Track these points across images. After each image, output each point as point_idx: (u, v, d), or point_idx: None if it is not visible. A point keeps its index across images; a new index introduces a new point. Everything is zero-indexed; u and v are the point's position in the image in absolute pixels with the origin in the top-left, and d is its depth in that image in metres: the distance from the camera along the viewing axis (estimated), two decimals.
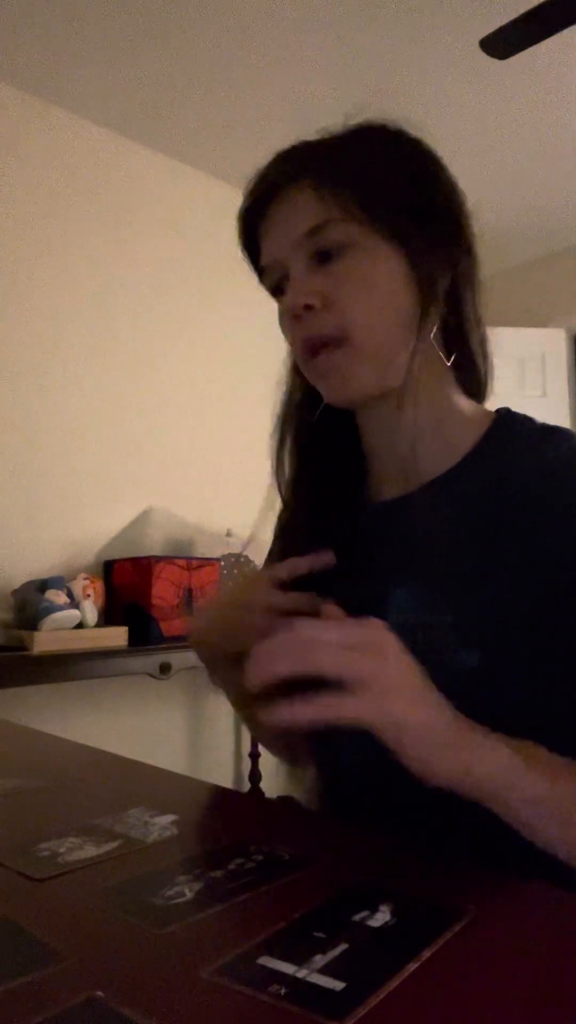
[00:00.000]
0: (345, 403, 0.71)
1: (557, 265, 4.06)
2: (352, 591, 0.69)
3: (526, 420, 0.72)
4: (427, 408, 0.69)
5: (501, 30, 2.10)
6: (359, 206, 0.66)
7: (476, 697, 0.59)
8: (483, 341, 0.74)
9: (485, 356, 0.74)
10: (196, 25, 2.36)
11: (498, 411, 0.73)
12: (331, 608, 0.59)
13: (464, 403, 0.73)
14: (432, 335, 0.69)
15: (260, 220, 0.71)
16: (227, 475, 2.98)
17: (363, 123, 0.71)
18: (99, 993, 0.32)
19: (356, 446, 0.78)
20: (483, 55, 2.22)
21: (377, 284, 0.67)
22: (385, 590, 0.69)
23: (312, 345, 0.68)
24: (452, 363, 0.71)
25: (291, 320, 0.68)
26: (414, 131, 0.71)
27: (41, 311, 2.66)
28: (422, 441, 0.69)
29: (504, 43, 2.14)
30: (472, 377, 0.74)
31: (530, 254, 4.08)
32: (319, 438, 0.78)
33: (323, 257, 0.67)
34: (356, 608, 0.60)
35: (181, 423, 2.99)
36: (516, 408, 0.74)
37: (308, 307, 0.67)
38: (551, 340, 3.95)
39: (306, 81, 2.57)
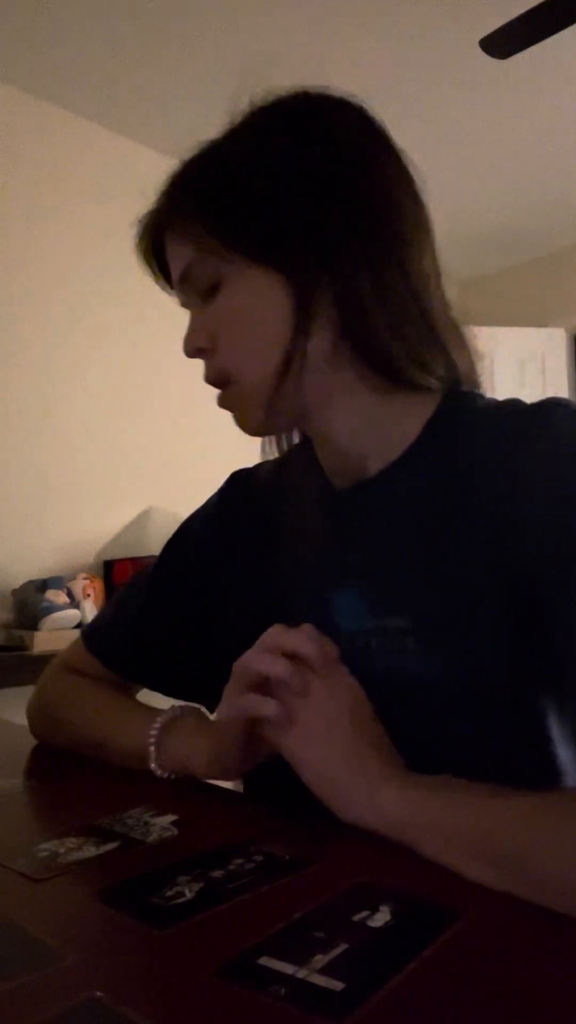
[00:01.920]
0: (254, 435, 0.70)
1: (557, 265, 4.06)
2: (305, 592, 0.68)
3: (475, 399, 0.66)
4: (344, 413, 0.65)
5: (501, 30, 2.10)
6: (214, 241, 0.62)
7: (442, 703, 0.58)
8: (396, 323, 0.62)
9: (403, 336, 0.62)
10: (199, 28, 2.36)
11: (444, 394, 0.66)
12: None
13: (401, 393, 0.65)
14: (324, 343, 0.62)
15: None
16: (227, 475, 2.97)
17: (241, 117, 0.66)
18: (99, 993, 0.32)
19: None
20: (483, 55, 2.22)
21: (245, 319, 0.64)
22: (335, 593, 0.65)
23: (211, 384, 0.68)
24: (366, 357, 0.63)
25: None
26: (295, 89, 0.66)
27: (41, 312, 2.66)
28: (356, 442, 0.66)
29: (504, 43, 2.14)
30: (391, 364, 0.63)
31: (530, 254, 4.09)
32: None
33: (206, 294, 0.65)
34: (304, 611, 0.59)
35: (181, 423, 2.99)
36: None
37: (200, 349, 0.66)
38: (551, 340, 3.95)
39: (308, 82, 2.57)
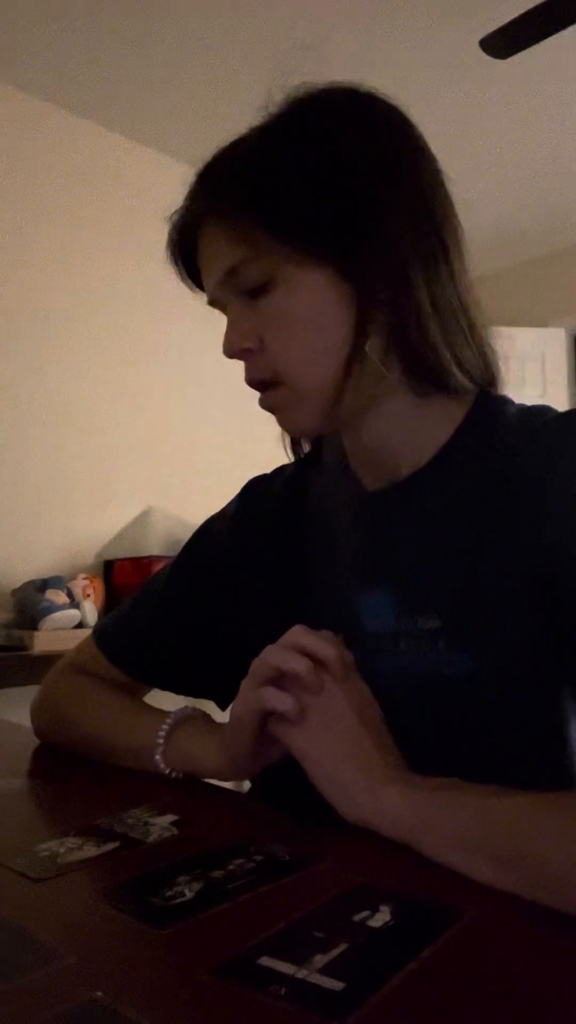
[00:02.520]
0: (300, 436, 0.69)
1: (557, 265, 4.06)
2: (329, 594, 0.68)
3: (504, 404, 0.67)
4: (387, 415, 0.65)
5: (501, 30, 2.10)
6: (269, 240, 0.59)
7: (470, 704, 0.59)
8: (447, 331, 0.62)
9: (452, 344, 0.63)
10: (202, 29, 2.36)
11: (475, 397, 0.66)
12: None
13: (439, 397, 0.65)
14: (379, 346, 0.61)
15: (193, 252, 0.66)
16: (227, 475, 2.97)
17: (285, 105, 0.63)
18: (99, 993, 0.32)
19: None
20: (483, 55, 2.22)
21: (304, 320, 0.61)
22: (362, 594, 0.65)
23: (256, 387, 0.65)
24: (416, 363, 0.62)
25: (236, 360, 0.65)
26: (354, 82, 0.63)
27: (41, 312, 2.66)
28: (393, 443, 0.66)
29: (504, 43, 2.14)
30: (439, 371, 0.62)
31: (530, 254, 4.09)
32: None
33: (253, 292, 0.62)
34: (332, 611, 0.59)
35: (181, 423, 2.99)
36: None
37: (245, 349, 0.63)
38: (551, 340, 3.96)
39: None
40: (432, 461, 0.65)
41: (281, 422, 0.67)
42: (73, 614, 2.32)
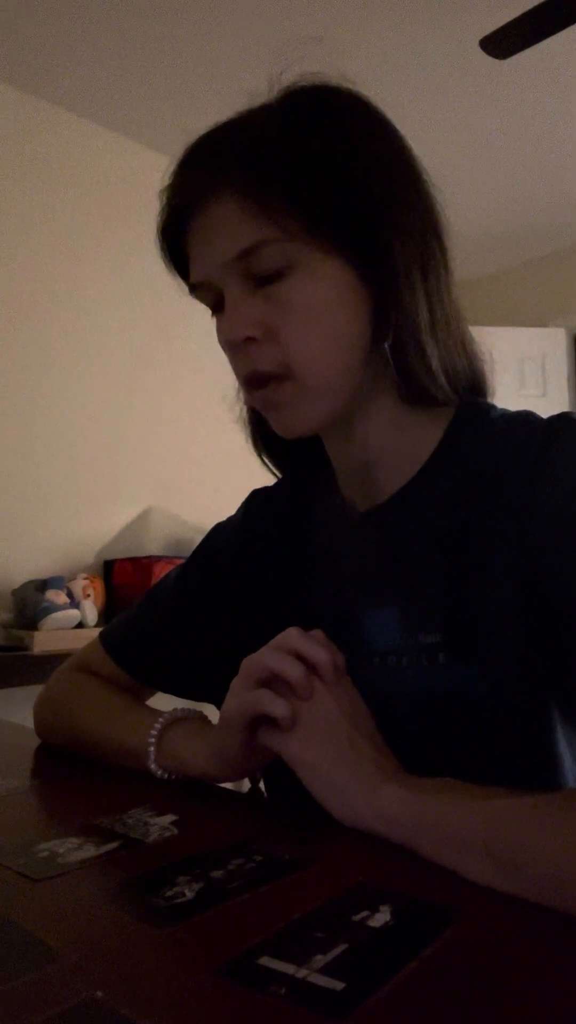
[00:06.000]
0: (295, 437, 0.64)
1: (557, 265, 4.06)
2: (331, 611, 0.68)
3: (487, 411, 0.66)
4: (377, 419, 0.65)
5: (501, 30, 2.10)
6: (295, 221, 0.57)
7: (468, 717, 0.58)
8: (441, 337, 0.62)
9: (448, 354, 0.63)
10: (199, 28, 2.36)
11: (458, 407, 0.66)
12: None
13: (420, 406, 0.65)
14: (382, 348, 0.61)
15: (182, 233, 0.63)
16: (227, 475, 2.98)
17: (290, 92, 0.61)
18: (99, 993, 0.32)
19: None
20: (483, 55, 2.22)
21: (321, 310, 0.59)
22: (366, 612, 0.65)
23: (256, 380, 0.62)
24: (407, 369, 0.61)
25: (230, 351, 0.62)
26: (348, 84, 0.63)
27: (40, 311, 2.66)
28: (381, 453, 0.66)
29: (504, 43, 2.14)
30: (431, 381, 0.62)
31: (530, 254, 4.09)
32: (288, 448, 0.74)
33: (260, 278, 0.59)
34: (331, 630, 0.59)
35: (181, 423, 2.99)
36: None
37: (249, 339, 0.60)
38: (551, 340, 3.95)
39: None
40: (418, 475, 0.65)
41: (278, 420, 0.64)
42: (73, 614, 2.32)
